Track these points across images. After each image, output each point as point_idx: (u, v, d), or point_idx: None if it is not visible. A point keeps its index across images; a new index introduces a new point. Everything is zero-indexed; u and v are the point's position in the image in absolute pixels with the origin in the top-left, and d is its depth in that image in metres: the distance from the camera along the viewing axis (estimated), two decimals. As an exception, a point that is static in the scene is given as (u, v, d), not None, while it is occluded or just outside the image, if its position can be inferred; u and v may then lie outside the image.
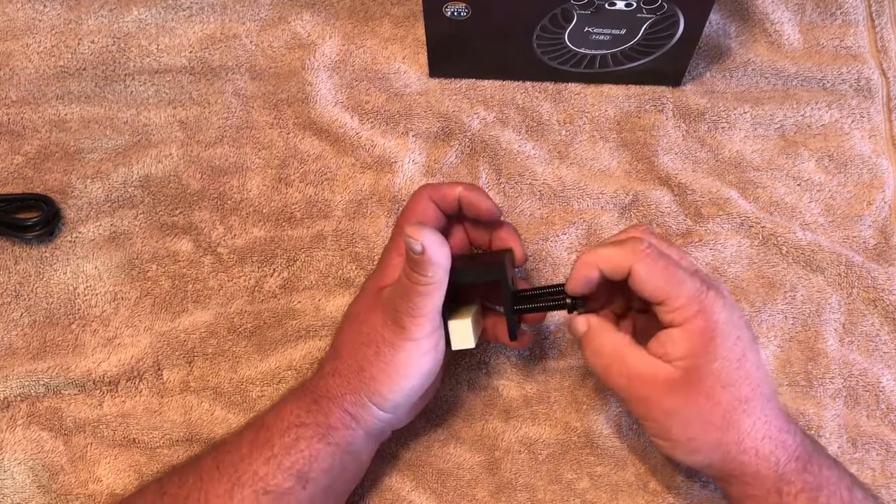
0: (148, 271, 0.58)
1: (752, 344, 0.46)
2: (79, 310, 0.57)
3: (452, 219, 0.52)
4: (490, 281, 0.48)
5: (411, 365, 0.46)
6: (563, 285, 0.49)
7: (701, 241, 0.58)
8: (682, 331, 0.44)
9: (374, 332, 0.47)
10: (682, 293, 0.44)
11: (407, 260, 0.45)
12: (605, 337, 0.47)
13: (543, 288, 0.50)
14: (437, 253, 0.44)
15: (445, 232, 0.52)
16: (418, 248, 0.44)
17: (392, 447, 0.53)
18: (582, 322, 0.48)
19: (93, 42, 0.64)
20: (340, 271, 0.58)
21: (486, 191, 0.60)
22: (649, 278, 0.45)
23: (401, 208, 0.59)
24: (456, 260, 0.47)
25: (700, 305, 0.44)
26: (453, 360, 0.56)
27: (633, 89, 0.62)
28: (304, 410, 0.47)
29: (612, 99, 0.62)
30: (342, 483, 0.48)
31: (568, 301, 0.49)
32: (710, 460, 0.45)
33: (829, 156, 0.61)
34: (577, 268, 0.47)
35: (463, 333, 0.48)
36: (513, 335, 0.49)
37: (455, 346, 0.48)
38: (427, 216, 0.50)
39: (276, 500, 0.45)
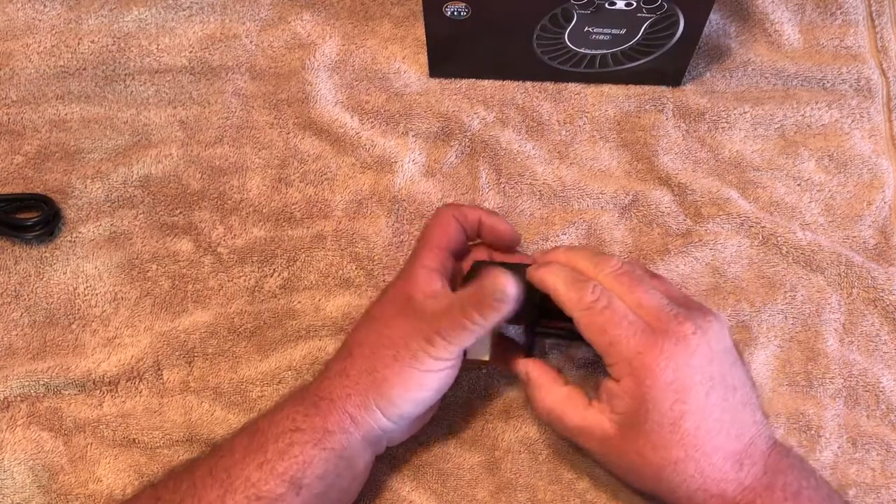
0: (148, 271, 0.58)
1: (705, 397, 0.45)
2: (79, 310, 0.57)
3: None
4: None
5: (427, 377, 0.46)
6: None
7: (701, 241, 0.58)
8: (620, 388, 0.45)
9: (398, 337, 0.46)
10: (614, 353, 0.45)
11: (475, 297, 0.46)
12: (542, 392, 0.48)
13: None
14: (510, 306, 0.46)
15: (465, 251, 0.53)
16: (503, 299, 0.45)
17: (392, 449, 0.53)
18: (523, 370, 0.49)
19: (93, 42, 0.64)
20: (340, 271, 0.58)
21: (486, 190, 0.60)
22: (587, 332, 0.46)
23: (400, 208, 0.59)
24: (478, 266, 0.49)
25: (631, 368, 0.44)
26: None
27: (633, 89, 0.62)
28: (300, 415, 0.46)
29: (612, 99, 0.62)
30: (337, 491, 0.47)
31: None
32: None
33: (829, 156, 0.61)
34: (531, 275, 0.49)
35: (480, 345, 0.49)
36: (531, 350, 0.50)
37: (470, 356, 0.49)
38: (454, 237, 0.51)
39: None
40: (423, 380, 0.46)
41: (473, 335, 0.46)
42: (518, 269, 0.49)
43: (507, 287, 0.45)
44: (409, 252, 0.58)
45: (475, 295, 0.46)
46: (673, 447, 0.45)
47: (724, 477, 0.45)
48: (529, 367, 0.49)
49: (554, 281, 0.47)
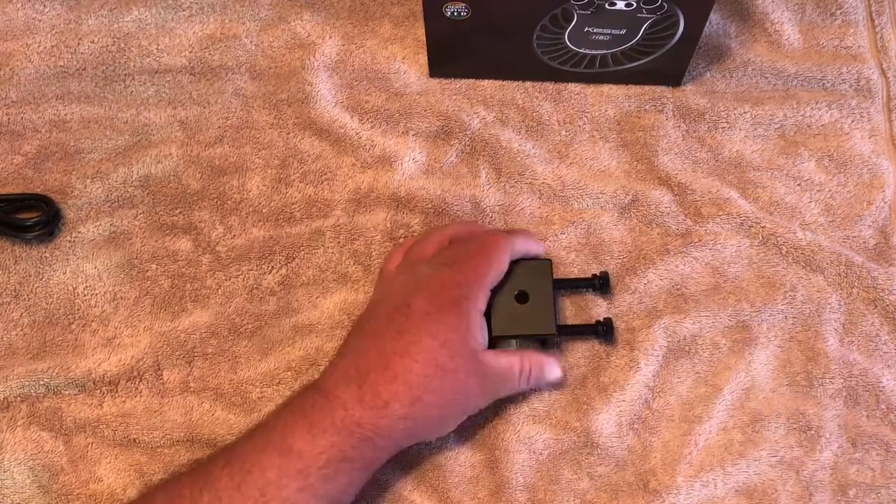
0: (147, 271, 0.58)
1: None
2: (78, 310, 0.57)
3: None
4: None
5: (477, 409, 0.51)
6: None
7: (701, 241, 0.58)
8: None
9: (471, 398, 0.50)
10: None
11: (533, 376, 0.52)
12: None
13: None
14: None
15: None
16: (555, 376, 0.53)
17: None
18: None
19: (93, 42, 0.64)
20: (339, 267, 0.58)
21: (486, 189, 0.60)
22: None
23: (400, 206, 0.59)
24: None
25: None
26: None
27: (633, 89, 0.62)
28: (349, 447, 0.46)
29: (612, 99, 0.62)
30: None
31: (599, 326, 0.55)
32: None
33: (829, 156, 0.61)
34: None
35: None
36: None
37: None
38: (501, 275, 0.52)
39: None
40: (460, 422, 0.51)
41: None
42: (540, 266, 0.54)
43: (558, 374, 0.53)
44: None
45: (536, 373, 0.52)
46: None
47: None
48: None
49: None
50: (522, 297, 0.53)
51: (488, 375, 0.50)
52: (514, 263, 0.53)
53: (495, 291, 0.52)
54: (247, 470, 0.45)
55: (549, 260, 0.55)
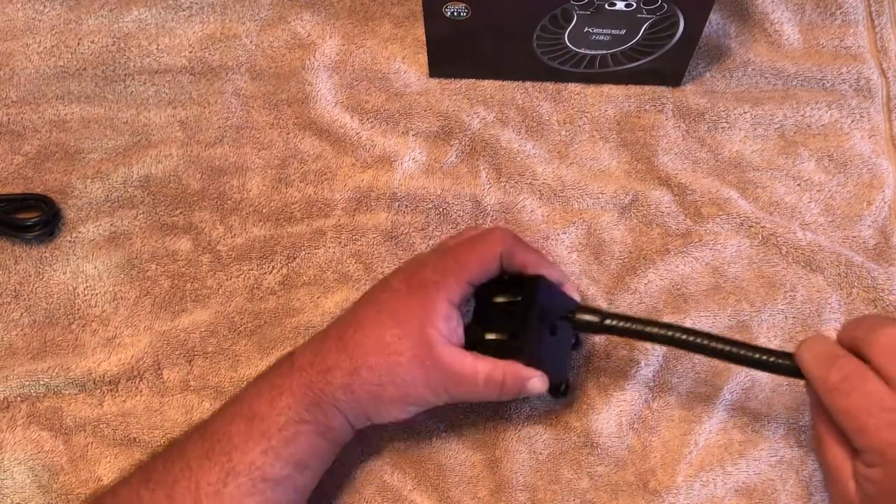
0: (147, 271, 0.58)
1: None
2: (79, 310, 0.57)
3: None
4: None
5: (426, 403, 0.49)
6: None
7: (701, 241, 0.58)
8: (871, 474, 0.41)
9: (410, 384, 0.47)
10: (863, 440, 0.41)
11: (507, 387, 0.47)
12: (825, 446, 0.45)
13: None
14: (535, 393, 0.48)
15: None
16: (537, 391, 0.48)
17: (393, 444, 0.53)
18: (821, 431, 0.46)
19: (93, 42, 0.64)
20: (340, 267, 0.58)
21: (487, 189, 0.60)
22: (832, 414, 0.42)
23: (400, 205, 0.59)
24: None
25: (884, 460, 0.40)
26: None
27: (633, 89, 0.63)
28: (303, 409, 0.47)
29: (612, 99, 0.62)
30: (328, 464, 0.50)
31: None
32: None
33: (829, 156, 0.61)
34: None
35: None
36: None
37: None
38: (489, 272, 0.49)
39: (274, 486, 0.46)
40: (422, 404, 0.49)
41: (487, 399, 0.48)
42: (531, 284, 0.48)
43: (540, 385, 0.48)
44: (410, 249, 0.58)
45: (511, 385, 0.47)
46: None
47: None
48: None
49: (802, 355, 0.43)
50: (553, 330, 0.49)
51: (438, 370, 0.46)
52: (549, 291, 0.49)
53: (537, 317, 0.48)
54: (216, 438, 0.47)
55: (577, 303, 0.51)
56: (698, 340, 0.47)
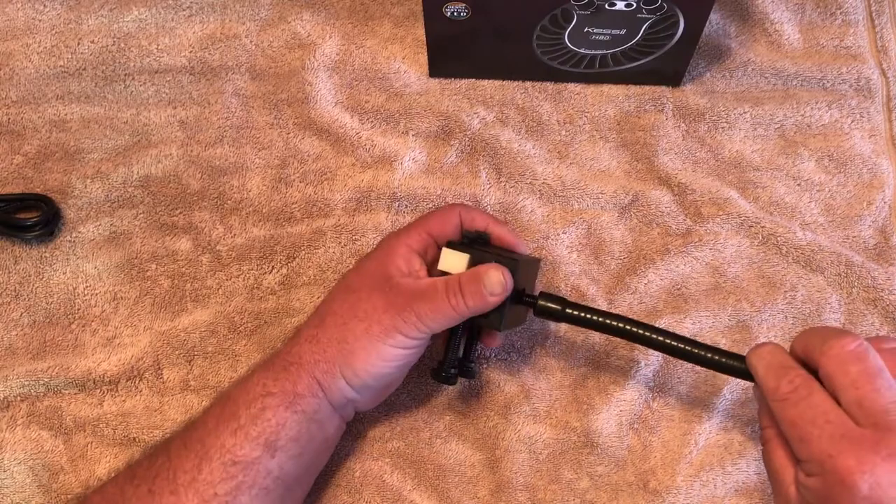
0: (147, 271, 0.58)
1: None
2: (78, 310, 0.57)
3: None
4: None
5: (393, 354, 0.47)
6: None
7: (701, 241, 0.58)
8: (810, 484, 0.41)
9: (372, 312, 0.47)
10: (804, 450, 0.41)
11: (469, 286, 0.46)
12: (771, 447, 0.45)
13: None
14: (500, 300, 0.47)
15: None
16: (498, 294, 0.46)
17: (393, 444, 0.54)
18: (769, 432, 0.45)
19: (93, 42, 0.64)
20: (341, 266, 0.58)
21: (487, 188, 0.60)
22: (780, 423, 0.43)
23: (400, 205, 0.59)
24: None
25: (822, 470, 0.40)
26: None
27: (633, 89, 0.63)
28: (270, 379, 0.47)
29: (612, 99, 0.62)
30: (311, 453, 0.48)
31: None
32: None
33: (829, 156, 0.61)
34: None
35: (455, 263, 0.49)
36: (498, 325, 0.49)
37: (440, 267, 0.49)
38: (448, 231, 0.51)
39: (245, 469, 0.45)
40: (390, 356, 0.47)
41: (451, 321, 0.47)
42: (512, 261, 0.48)
43: (508, 284, 0.46)
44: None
45: (469, 284, 0.46)
46: None
47: None
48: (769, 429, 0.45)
49: (756, 363, 0.44)
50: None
51: (398, 291, 0.47)
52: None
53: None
54: (195, 427, 0.47)
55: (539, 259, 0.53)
56: (649, 335, 0.47)
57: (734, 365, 0.46)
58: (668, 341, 0.47)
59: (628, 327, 0.48)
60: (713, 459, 0.53)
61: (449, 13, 0.56)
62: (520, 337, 0.56)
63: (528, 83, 0.63)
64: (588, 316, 0.48)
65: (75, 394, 0.55)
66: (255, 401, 0.46)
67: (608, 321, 0.48)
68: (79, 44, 0.63)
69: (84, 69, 0.63)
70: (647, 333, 0.47)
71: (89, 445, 0.54)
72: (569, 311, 0.49)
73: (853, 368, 0.40)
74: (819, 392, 0.41)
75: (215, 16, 0.64)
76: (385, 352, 0.47)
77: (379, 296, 0.47)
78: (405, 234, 0.50)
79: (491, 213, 0.59)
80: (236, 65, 0.63)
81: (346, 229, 0.59)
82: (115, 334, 0.56)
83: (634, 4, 0.54)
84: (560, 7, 0.55)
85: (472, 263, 0.48)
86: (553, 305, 0.49)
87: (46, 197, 0.59)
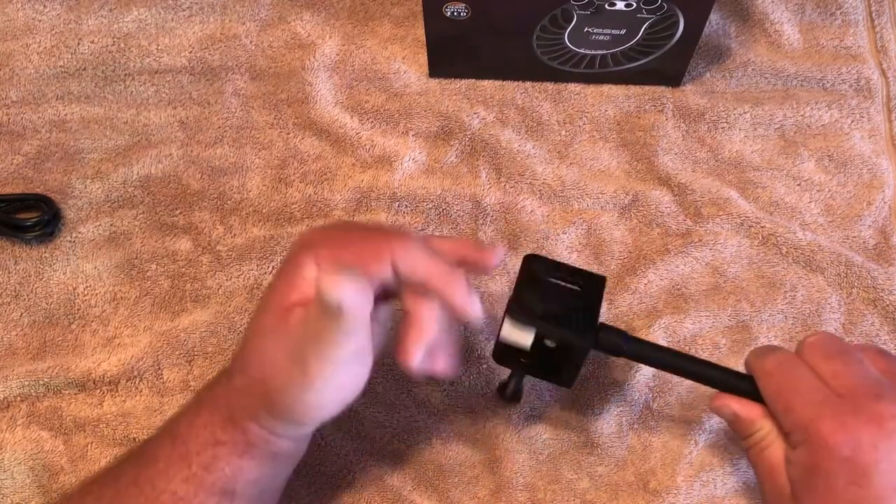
0: (147, 271, 0.58)
1: (893, 490, 0.41)
2: (78, 310, 0.57)
3: None
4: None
5: (324, 399, 0.41)
6: None
7: (701, 241, 0.58)
8: (795, 455, 0.43)
9: (281, 365, 0.40)
10: (789, 420, 0.43)
11: (317, 306, 0.38)
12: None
13: None
14: (355, 305, 0.38)
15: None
16: (334, 305, 0.37)
17: (393, 444, 0.53)
18: (729, 411, 0.47)
19: (93, 42, 0.64)
20: (340, 271, 0.58)
21: (487, 188, 0.60)
22: (766, 398, 0.45)
23: (400, 205, 0.59)
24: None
25: (805, 435, 0.42)
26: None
27: (633, 89, 0.63)
28: (218, 428, 0.42)
29: (612, 99, 0.62)
30: (276, 486, 0.45)
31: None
32: None
33: (829, 156, 0.61)
34: None
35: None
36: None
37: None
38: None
39: None
40: (322, 402, 0.42)
41: (343, 348, 0.39)
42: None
43: (331, 288, 0.37)
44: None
45: (315, 303, 0.39)
46: None
47: None
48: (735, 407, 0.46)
49: (748, 356, 0.47)
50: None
51: (291, 331, 0.40)
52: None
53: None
54: (145, 463, 0.43)
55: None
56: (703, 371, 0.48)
57: (742, 386, 0.47)
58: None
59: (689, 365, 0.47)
60: (713, 459, 0.53)
61: (449, 13, 0.56)
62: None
63: (528, 83, 0.63)
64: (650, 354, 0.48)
65: (75, 394, 0.55)
66: (206, 449, 0.42)
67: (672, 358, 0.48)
68: (79, 44, 0.63)
69: (84, 69, 0.63)
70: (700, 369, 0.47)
71: (89, 446, 0.54)
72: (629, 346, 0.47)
73: (823, 347, 0.44)
74: (802, 366, 0.44)
75: (215, 16, 0.64)
76: (314, 402, 0.41)
77: (280, 343, 0.41)
78: (306, 252, 0.42)
79: (491, 213, 0.59)
80: (236, 65, 0.63)
81: (346, 229, 0.59)
82: (115, 334, 0.56)
83: (634, 4, 0.54)
84: (560, 7, 0.55)
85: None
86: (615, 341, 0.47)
87: (46, 197, 0.59)
